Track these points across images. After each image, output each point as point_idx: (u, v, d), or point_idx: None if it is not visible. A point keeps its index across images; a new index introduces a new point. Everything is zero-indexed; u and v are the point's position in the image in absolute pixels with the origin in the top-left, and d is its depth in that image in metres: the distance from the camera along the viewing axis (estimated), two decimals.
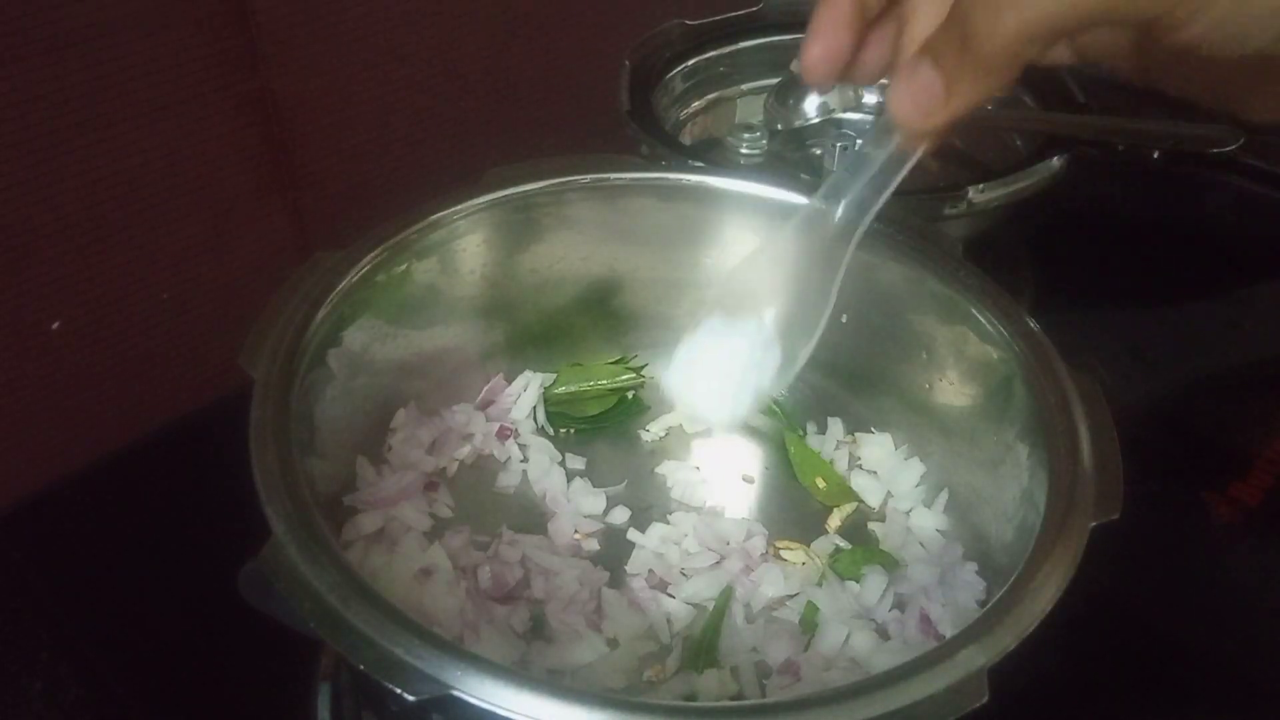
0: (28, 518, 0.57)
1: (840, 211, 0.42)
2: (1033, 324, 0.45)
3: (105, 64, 0.53)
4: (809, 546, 0.50)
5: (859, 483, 0.52)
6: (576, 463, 0.53)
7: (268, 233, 0.64)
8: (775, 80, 0.68)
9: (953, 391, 0.49)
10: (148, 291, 0.61)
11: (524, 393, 0.54)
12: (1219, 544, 0.56)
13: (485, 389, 0.54)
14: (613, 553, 0.49)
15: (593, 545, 0.49)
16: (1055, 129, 0.62)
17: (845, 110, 0.68)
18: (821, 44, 0.40)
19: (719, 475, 0.53)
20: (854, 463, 0.53)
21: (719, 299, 0.45)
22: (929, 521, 0.50)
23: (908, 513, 0.51)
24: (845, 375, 0.53)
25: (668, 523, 0.50)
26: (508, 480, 0.52)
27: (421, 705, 0.32)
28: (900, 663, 0.34)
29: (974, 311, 0.47)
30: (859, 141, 0.66)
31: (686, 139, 0.69)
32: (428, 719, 0.36)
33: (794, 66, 0.68)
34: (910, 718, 0.32)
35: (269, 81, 0.60)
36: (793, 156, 0.69)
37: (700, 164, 0.56)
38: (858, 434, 0.54)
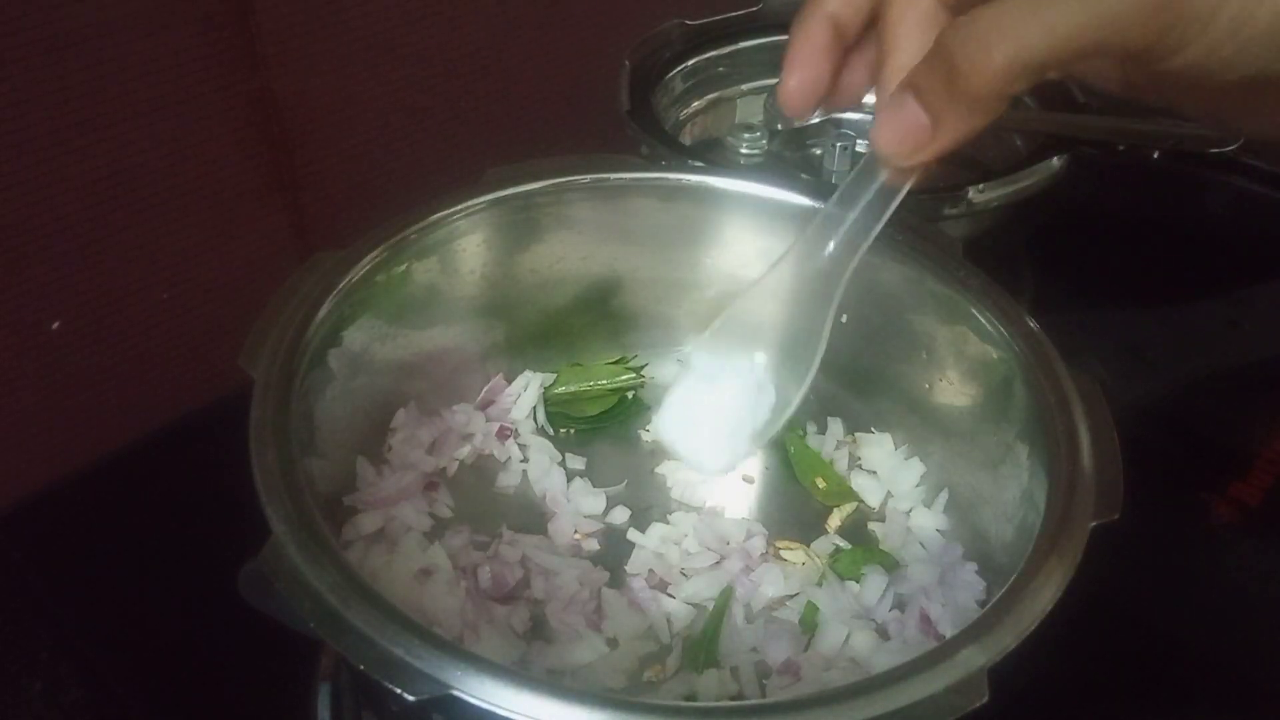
0: (28, 518, 0.57)
1: (830, 251, 0.42)
2: (1033, 324, 0.45)
3: (105, 64, 0.53)
4: (809, 546, 0.50)
5: (859, 483, 0.52)
6: (576, 463, 0.53)
7: (268, 233, 0.64)
8: (775, 80, 0.68)
9: (953, 391, 0.49)
10: (148, 291, 0.61)
11: (524, 393, 0.54)
12: (1219, 544, 0.56)
13: (485, 389, 0.54)
14: (613, 553, 0.49)
15: (593, 545, 0.49)
16: (1055, 129, 0.62)
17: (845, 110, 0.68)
18: (798, 75, 0.40)
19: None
20: (854, 463, 0.53)
21: (709, 342, 0.45)
22: (929, 521, 0.50)
23: (908, 513, 0.51)
24: (845, 375, 0.53)
25: (668, 523, 0.50)
26: (508, 480, 0.52)
27: (421, 705, 0.32)
28: (900, 663, 0.34)
29: (974, 311, 0.47)
30: (859, 142, 0.66)
31: (686, 139, 0.69)
32: (428, 719, 0.36)
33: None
34: (910, 718, 0.32)
35: (269, 81, 0.60)
36: (793, 156, 0.69)
37: (700, 164, 0.56)
38: (858, 434, 0.54)
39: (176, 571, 0.52)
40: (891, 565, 0.48)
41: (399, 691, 0.32)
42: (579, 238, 0.53)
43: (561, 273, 0.54)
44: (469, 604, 0.45)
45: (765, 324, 0.44)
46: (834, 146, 0.65)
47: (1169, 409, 0.63)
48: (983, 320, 0.46)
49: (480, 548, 0.48)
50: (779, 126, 0.67)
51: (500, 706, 0.31)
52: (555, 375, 0.55)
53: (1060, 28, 0.31)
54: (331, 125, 0.64)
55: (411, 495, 0.49)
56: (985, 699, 0.32)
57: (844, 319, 0.49)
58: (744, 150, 0.65)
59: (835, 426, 0.54)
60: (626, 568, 0.48)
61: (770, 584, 0.47)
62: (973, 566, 0.46)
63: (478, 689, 0.32)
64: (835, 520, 0.51)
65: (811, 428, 0.54)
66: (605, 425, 0.55)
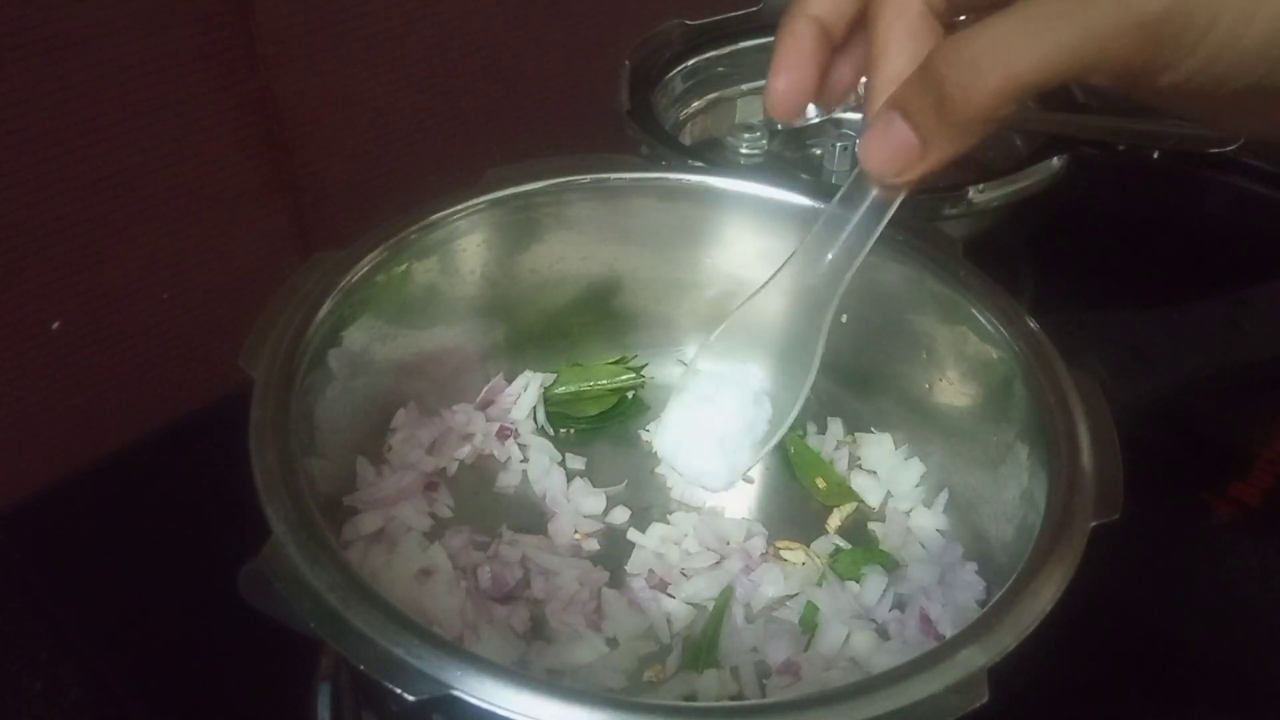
0: (28, 518, 0.57)
1: (826, 262, 0.42)
2: (1033, 324, 0.45)
3: (105, 64, 0.53)
4: (809, 546, 0.50)
5: (859, 483, 0.52)
6: (576, 463, 0.53)
7: (268, 233, 0.64)
8: None
9: (953, 391, 0.49)
10: (148, 291, 0.61)
11: (524, 393, 0.54)
12: (1219, 544, 0.56)
13: (485, 389, 0.54)
14: (613, 553, 0.49)
15: (593, 545, 0.49)
16: (1055, 129, 0.62)
17: (845, 110, 0.68)
18: (785, 78, 0.40)
19: None
20: (854, 463, 0.53)
21: (705, 359, 0.45)
22: (929, 521, 0.50)
23: (908, 513, 0.51)
24: (845, 375, 0.53)
25: (668, 523, 0.50)
26: (508, 480, 0.52)
27: (421, 705, 0.32)
28: (900, 663, 0.34)
29: (974, 311, 0.47)
30: (859, 142, 0.66)
31: (686, 139, 0.69)
32: (428, 719, 0.36)
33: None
34: (910, 718, 0.32)
35: (269, 81, 0.60)
36: (793, 156, 0.69)
37: (700, 164, 0.56)
38: (858, 434, 0.54)
39: (176, 571, 0.52)
40: (891, 565, 0.48)
41: (399, 691, 0.32)
42: (579, 238, 0.53)
43: (561, 273, 0.54)
44: (469, 604, 0.45)
45: (762, 336, 0.44)
46: (834, 146, 0.65)
47: (1169, 409, 0.63)
48: (983, 320, 0.46)
49: (480, 548, 0.48)
50: (779, 126, 0.67)
51: (500, 706, 0.31)
52: (555, 375, 0.55)
53: (1052, 52, 0.31)
54: (331, 125, 0.64)
55: (411, 495, 0.49)
56: (985, 699, 0.32)
57: (844, 319, 0.49)
58: (744, 150, 0.65)
59: (835, 426, 0.54)
60: (626, 568, 0.48)
61: (770, 584, 0.47)
62: (973, 566, 0.46)
63: (478, 689, 0.32)
64: (835, 520, 0.51)
65: (811, 428, 0.54)
66: (605, 425, 0.55)
